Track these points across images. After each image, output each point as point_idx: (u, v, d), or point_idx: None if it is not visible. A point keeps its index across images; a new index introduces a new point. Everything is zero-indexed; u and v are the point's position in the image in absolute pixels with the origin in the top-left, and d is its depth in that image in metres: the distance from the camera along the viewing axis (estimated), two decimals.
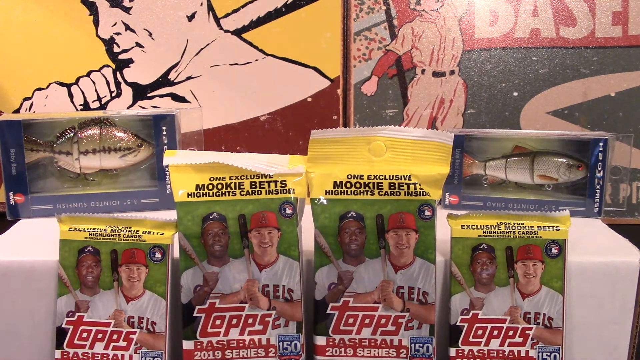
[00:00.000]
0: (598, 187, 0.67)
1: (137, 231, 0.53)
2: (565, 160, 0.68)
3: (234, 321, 0.53)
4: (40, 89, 0.78)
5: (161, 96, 0.79)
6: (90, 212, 0.54)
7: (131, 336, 0.53)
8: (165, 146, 0.65)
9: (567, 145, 0.69)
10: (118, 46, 0.78)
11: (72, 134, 0.64)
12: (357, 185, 0.53)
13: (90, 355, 0.53)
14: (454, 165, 0.67)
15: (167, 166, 0.58)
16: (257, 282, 0.53)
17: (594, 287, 0.55)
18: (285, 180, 0.53)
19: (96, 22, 0.78)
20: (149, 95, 0.79)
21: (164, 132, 0.65)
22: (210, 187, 0.52)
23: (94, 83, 0.78)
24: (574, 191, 0.69)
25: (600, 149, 0.66)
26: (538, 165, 0.68)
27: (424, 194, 0.52)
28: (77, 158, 0.65)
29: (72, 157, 0.63)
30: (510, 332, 0.53)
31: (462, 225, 0.53)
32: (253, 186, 0.52)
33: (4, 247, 0.58)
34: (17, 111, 0.79)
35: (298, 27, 0.78)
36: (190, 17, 0.79)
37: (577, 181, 0.68)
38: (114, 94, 0.79)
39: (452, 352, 0.53)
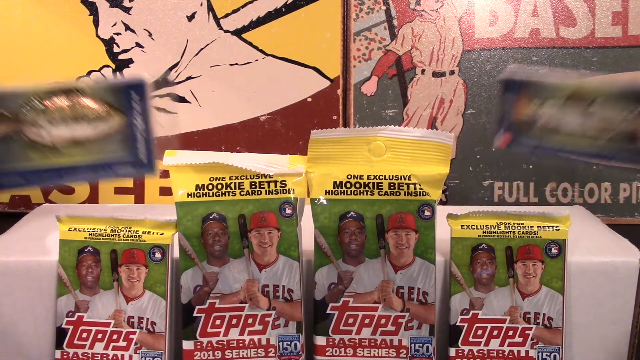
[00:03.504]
0: None
1: (137, 231, 0.53)
2: (632, 105, 0.55)
3: (234, 321, 0.53)
4: None
5: (161, 96, 0.79)
6: (61, 183, 0.54)
7: (131, 336, 0.53)
8: (138, 114, 0.60)
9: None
10: (118, 46, 0.78)
11: (39, 104, 0.60)
12: (357, 185, 0.53)
13: (90, 355, 0.53)
14: (505, 107, 0.55)
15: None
16: (257, 282, 0.53)
17: (594, 287, 0.55)
18: (285, 180, 0.53)
19: (96, 22, 0.78)
20: None
21: (136, 100, 0.61)
22: (210, 187, 0.52)
23: None
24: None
25: None
26: (598, 110, 0.56)
27: (424, 194, 0.52)
28: (46, 129, 0.60)
29: (41, 128, 0.59)
30: (510, 332, 0.53)
31: (462, 225, 0.53)
32: (253, 186, 0.52)
33: (4, 247, 0.58)
34: None
35: (298, 27, 0.78)
36: (190, 17, 0.79)
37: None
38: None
39: (452, 352, 0.53)
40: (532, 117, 0.57)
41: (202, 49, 0.79)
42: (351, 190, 0.53)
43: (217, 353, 0.53)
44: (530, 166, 0.79)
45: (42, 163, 0.58)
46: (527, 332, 0.53)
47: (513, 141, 0.55)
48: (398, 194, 0.52)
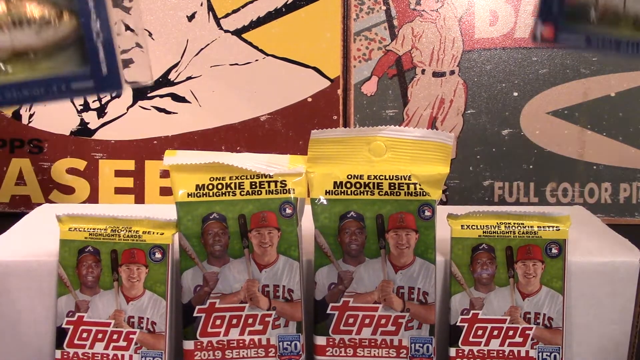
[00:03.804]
0: None
1: (137, 231, 0.53)
2: None
3: (234, 321, 0.53)
4: None
5: (161, 96, 0.79)
6: (8, 105, 0.48)
7: (131, 336, 0.53)
8: (94, 15, 0.50)
9: None
10: (118, 46, 0.78)
11: None
12: (357, 185, 0.53)
13: (90, 355, 0.53)
14: None
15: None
16: (257, 282, 0.53)
17: (594, 287, 0.55)
18: (285, 180, 0.53)
19: None
20: (149, 95, 0.79)
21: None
22: (210, 187, 0.52)
23: None
24: None
25: None
26: None
27: (424, 194, 0.52)
28: None
29: None
30: (510, 332, 0.53)
31: (462, 225, 0.53)
32: (253, 186, 0.52)
33: (4, 247, 0.58)
34: (17, 111, 0.79)
35: (298, 27, 0.78)
36: (190, 17, 0.79)
37: None
38: (114, 94, 0.79)
39: (452, 352, 0.53)
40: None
41: (202, 49, 0.79)
42: (351, 190, 0.53)
43: (218, 353, 0.53)
44: (531, 166, 0.79)
45: None
46: (527, 332, 0.53)
47: (559, 32, 0.46)
48: (398, 194, 0.52)
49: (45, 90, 0.50)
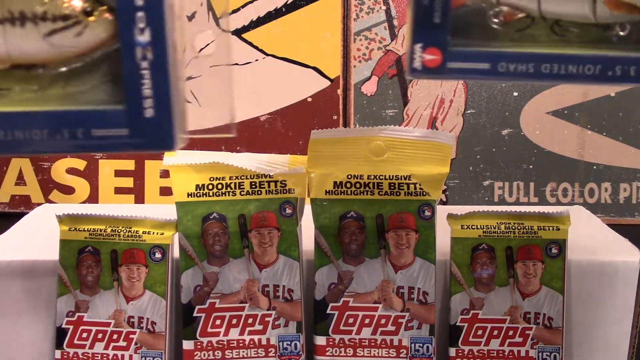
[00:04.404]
0: None
1: (137, 231, 0.53)
2: None
3: (234, 321, 0.53)
4: None
5: None
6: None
7: (131, 336, 0.53)
8: (142, 14, 0.30)
9: None
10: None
11: None
12: (357, 185, 0.53)
13: (90, 355, 0.53)
14: None
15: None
16: (257, 282, 0.53)
17: (594, 287, 0.55)
18: (285, 180, 0.53)
19: None
20: None
21: None
22: (210, 187, 0.52)
23: None
24: None
25: None
26: None
27: (424, 194, 0.52)
28: None
29: None
30: (510, 332, 0.53)
31: (462, 225, 0.53)
32: (253, 186, 0.52)
33: (4, 247, 0.58)
34: None
35: (298, 27, 0.78)
36: (190, 17, 0.79)
37: None
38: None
39: (452, 352, 0.53)
40: (487, 2, 0.34)
41: (202, 49, 0.79)
42: (351, 190, 0.53)
43: (217, 353, 0.53)
44: (531, 166, 0.79)
45: None
46: (527, 332, 0.53)
47: (448, 58, 0.32)
48: (398, 194, 0.52)
49: (51, 132, 0.31)
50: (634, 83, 0.34)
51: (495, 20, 0.34)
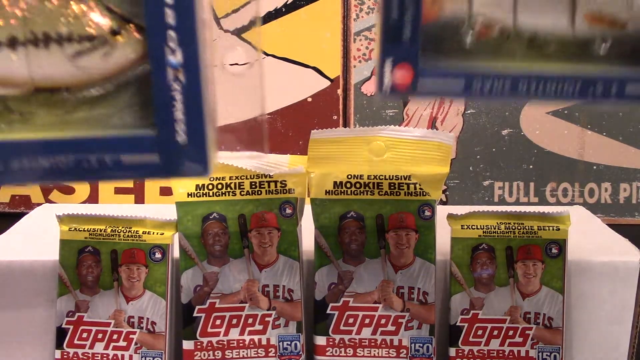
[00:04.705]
0: None
1: (137, 231, 0.53)
2: None
3: (234, 321, 0.53)
4: None
5: None
6: (15, 181, 0.30)
7: (131, 336, 0.53)
8: (173, 34, 0.28)
9: None
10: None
11: None
12: (357, 185, 0.53)
13: (90, 355, 0.53)
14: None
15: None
16: (257, 282, 0.53)
17: (594, 287, 0.55)
18: (285, 180, 0.53)
19: None
20: None
21: (169, 0, 0.28)
22: (210, 187, 0.52)
23: None
24: None
25: None
26: None
27: (424, 194, 0.52)
28: None
29: None
30: (510, 332, 0.53)
31: (462, 225, 0.53)
32: (253, 186, 0.52)
33: (4, 247, 0.58)
34: None
35: (298, 27, 0.78)
36: None
37: None
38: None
39: (452, 352, 0.53)
40: (460, 16, 0.32)
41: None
42: (351, 190, 0.53)
43: (217, 353, 0.53)
44: (531, 166, 0.79)
45: None
46: (527, 332, 0.53)
47: (419, 75, 0.30)
48: (398, 194, 0.52)
49: (77, 158, 0.29)
50: (616, 101, 0.32)
51: (469, 35, 0.32)
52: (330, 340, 0.53)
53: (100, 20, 0.29)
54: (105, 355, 0.53)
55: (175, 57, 0.27)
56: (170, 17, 0.27)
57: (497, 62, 0.32)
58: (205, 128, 0.28)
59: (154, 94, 0.28)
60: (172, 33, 0.27)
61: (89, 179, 0.30)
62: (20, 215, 0.68)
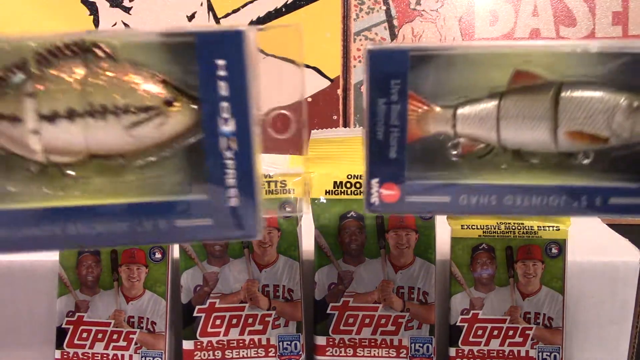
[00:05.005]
0: None
1: None
2: (623, 98, 0.33)
3: (234, 321, 0.53)
4: None
5: None
6: (70, 246, 0.31)
7: (131, 336, 0.53)
8: (226, 105, 0.30)
9: (621, 68, 0.33)
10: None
11: (21, 76, 0.31)
12: (357, 185, 0.53)
13: (90, 355, 0.53)
14: (389, 115, 0.32)
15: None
16: (257, 282, 0.53)
17: (594, 287, 0.55)
18: (285, 180, 0.53)
19: (96, 22, 0.78)
20: None
21: (222, 71, 0.30)
22: None
23: None
24: (636, 168, 0.33)
25: None
26: (566, 109, 0.33)
27: None
28: (36, 129, 0.31)
29: (23, 126, 0.31)
30: (510, 332, 0.53)
31: (462, 225, 0.53)
32: None
33: None
34: None
35: None
36: (190, 17, 0.79)
37: None
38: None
39: (452, 352, 0.53)
40: (444, 134, 0.33)
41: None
42: (351, 190, 0.53)
43: (217, 353, 0.53)
44: None
45: (25, 202, 0.31)
46: (527, 332, 0.53)
47: (405, 193, 0.31)
48: None
49: (131, 223, 0.30)
50: (600, 214, 0.32)
51: (455, 152, 0.34)
52: (330, 340, 0.53)
53: (155, 91, 0.30)
54: (105, 355, 0.53)
55: (228, 127, 0.29)
56: (223, 89, 0.28)
57: (482, 175, 0.33)
58: (255, 193, 0.29)
59: (207, 161, 0.29)
60: (225, 104, 0.29)
61: (143, 242, 0.31)
62: None
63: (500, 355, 0.53)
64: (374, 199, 0.31)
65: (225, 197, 0.29)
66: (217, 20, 0.78)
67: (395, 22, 0.78)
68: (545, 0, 0.76)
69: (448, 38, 0.77)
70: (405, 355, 0.53)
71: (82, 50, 0.30)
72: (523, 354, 0.53)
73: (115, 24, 0.77)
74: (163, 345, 0.53)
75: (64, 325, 0.53)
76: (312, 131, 0.53)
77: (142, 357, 0.53)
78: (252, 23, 0.78)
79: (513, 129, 0.32)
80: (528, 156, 0.33)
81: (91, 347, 0.53)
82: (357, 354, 0.53)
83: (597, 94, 0.32)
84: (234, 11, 0.78)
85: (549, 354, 0.53)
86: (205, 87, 0.28)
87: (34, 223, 0.30)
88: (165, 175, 0.31)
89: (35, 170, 0.32)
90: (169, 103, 0.31)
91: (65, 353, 0.53)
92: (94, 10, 0.77)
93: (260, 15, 0.78)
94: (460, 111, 0.33)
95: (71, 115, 0.30)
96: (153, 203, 0.30)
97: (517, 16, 0.77)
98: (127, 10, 0.77)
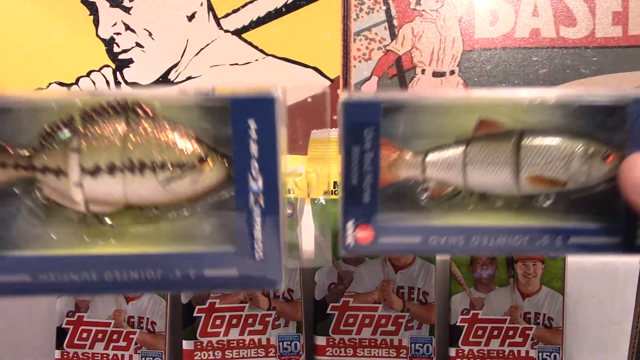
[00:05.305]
0: None
1: None
2: (579, 145, 0.35)
3: (234, 321, 0.53)
4: (40, 89, 0.78)
5: None
6: (105, 291, 0.33)
7: (131, 336, 0.53)
8: (256, 164, 0.32)
9: (577, 116, 0.36)
10: (118, 46, 0.78)
11: (68, 133, 0.34)
12: None
13: (90, 355, 0.53)
14: (362, 162, 0.34)
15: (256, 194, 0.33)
16: None
17: (594, 287, 0.55)
18: (285, 181, 0.53)
19: (96, 22, 0.78)
20: None
21: (254, 132, 0.32)
22: None
23: (94, 83, 0.79)
24: (593, 209, 0.36)
25: None
26: (527, 155, 0.35)
27: None
28: (79, 182, 0.33)
29: (67, 178, 0.33)
30: (510, 332, 0.53)
31: None
32: None
33: None
34: None
35: (298, 27, 0.78)
36: (190, 17, 0.79)
37: (598, 185, 0.36)
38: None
39: (452, 352, 0.53)
40: (414, 179, 0.36)
41: (202, 48, 0.79)
42: None
43: (217, 353, 0.53)
44: None
45: (67, 250, 0.33)
46: (527, 332, 0.53)
47: (379, 234, 0.33)
48: None
49: (164, 272, 0.32)
50: (561, 253, 0.34)
51: (424, 195, 0.37)
52: (330, 340, 0.53)
53: (190, 148, 0.33)
54: (105, 355, 0.53)
55: (257, 184, 0.31)
56: (254, 149, 0.30)
57: (451, 217, 0.35)
58: (280, 246, 0.31)
59: (236, 215, 0.31)
60: (255, 163, 0.31)
61: (172, 290, 0.34)
62: None
63: (500, 355, 0.53)
64: (349, 240, 0.33)
65: (252, 250, 0.31)
66: (217, 20, 0.78)
67: (395, 22, 0.78)
68: (545, 0, 0.76)
69: (448, 38, 0.77)
70: (405, 355, 0.53)
71: (124, 109, 0.33)
72: (523, 354, 0.53)
73: (115, 24, 0.77)
74: (163, 345, 0.53)
75: (64, 325, 0.53)
76: (312, 131, 0.53)
77: (142, 357, 0.53)
78: (252, 23, 0.78)
79: (478, 174, 0.35)
80: (493, 199, 0.36)
81: (91, 347, 0.53)
82: (357, 354, 0.53)
83: (555, 141, 0.35)
84: (234, 11, 0.78)
85: (549, 354, 0.53)
86: (237, 146, 0.31)
87: (74, 269, 0.32)
88: (197, 227, 0.33)
89: (76, 219, 0.35)
90: (202, 160, 0.33)
91: (65, 353, 0.53)
92: (94, 10, 0.77)
93: (261, 15, 0.78)
94: (429, 158, 0.36)
95: (112, 169, 0.33)
96: (185, 254, 0.32)
97: (517, 16, 0.77)
98: (127, 10, 0.77)
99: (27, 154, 0.34)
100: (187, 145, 0.33)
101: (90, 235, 0.34)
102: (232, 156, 0.31)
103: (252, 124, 0.31)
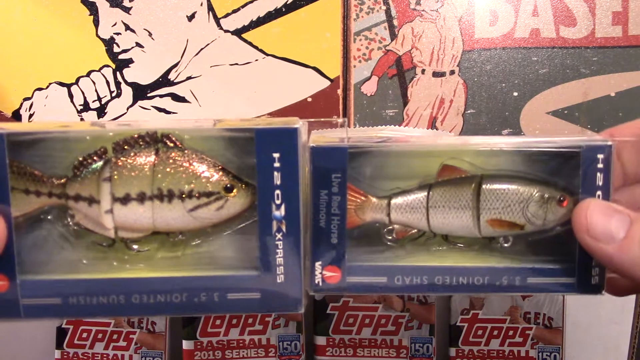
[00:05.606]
0: None
1: None
2: (536, 190, 0.38)
3: (234, 321, 0.53)
4: (40, 89, 0.78)
5: (161, 96, 0.79)
6: (132, 314, 0.35)
7: (131, 336, 0.53)
8: (279, 192, 0.33)
9: (534, 162, 0.39)
10: (118, 46, 0.78)
11: (100, 162, 0.35)
12: None
13: (90, 355, 0.53)
14: (330, 205, 0.34)
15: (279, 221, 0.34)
16: None
17: None
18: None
19: (96, 22, 0.78)
20: (148, 95, 0.79)
21: (277, 164, 0.33)
22: None
23: (94, 83, 0.79)
24: (550, 250, 0.37)
25: (600, 166, 0.36)
26: (487, 200, 0.38)
27: None
28: (110, 209, 0.35)
29: (99, 206, 0.35)
30: (510, 332, 0.53)
31: None
32: None
33: None
34: (17, 110, 0.79)
35: (298, 27, 0.78)
36: (190, 17, 0.79)
37: (554, 228, 0.37)
38: (114, 94, 0.79)
39: (452, 352, 0.53)
40: (380, 221, 0.38)
41: (202, 48, 0.79)
42: None
43: (217, 353, 0.53)
44: None
45: (97, 273, 0.34)
46: (527, 332, 0.53)
47: (346, 273, 0.35)
48: None
49: (189, 295, 0.33)
50: (519, 292, 0.36)
51: (389, 237, 0.38)
52: (331, 340, 0.53)
53: (215, 178, 0.35)
54: (105, 355, 0.53)
55: (280, 212, 0.32)
56: (278, 178, 0.32)
57: (415, 257, 0.37)
58: (301, 269, 0.33)
59: (260, 241, 0.32)
60: (278, 192, 0.32)
61: (196, 313, 0.34)
62: None
63: (500, 355, 0.53)
64: (318, 279, 0.34)
65: (274, 274, 0.33)
66: (217, 20, 0.78)
67: (395, 22, 0.78)
68: (545, 0, 0.76)
69: (448, 38, 0.77)
70: (405, 355, 0.53)
71: (154, 141, 0.35)
72: (523, 354, 0.53)
73: (115, 24, 0.77)
74: (163, 345, 0.53)
75: (64, 326, 0.53)
76: (312, 131, 0.53)
77: (142, 357, 0.53)
78: (252, 23, 0.78)
79: (441, 217, 0.37)
80: (455, 240, 0.38)
81: (91, 347, 0.53)
82: (357, 354, 0.53)
83: (513, 186, 0.37)
84: (234, 11, 0.78)
85: (549, 354, 0.53)
86: (262, 176, 0.32)
87: (103, 292, 0.33)
88: (221, 250, 0.35)
89: (106, 245, 0.36)
90: (228, 189, 0.35)
91: (65, 353, 0.53)
92: (94, 10, 0.77)
93: (261, 15, 0.78)
94: (394, 201, 0.38)
95: (141, 198, 0.34)
96: (210, 277, 0.33)
97: (517, 16, 0.77)
98: (127, 10, 0.77)
99: (60, 182, 0.36)
100: (213, 175, 0.35)
101: (119, 259, 0.36)
102: (255, 185, 0.33)
103: (276, 155, 0.32)
